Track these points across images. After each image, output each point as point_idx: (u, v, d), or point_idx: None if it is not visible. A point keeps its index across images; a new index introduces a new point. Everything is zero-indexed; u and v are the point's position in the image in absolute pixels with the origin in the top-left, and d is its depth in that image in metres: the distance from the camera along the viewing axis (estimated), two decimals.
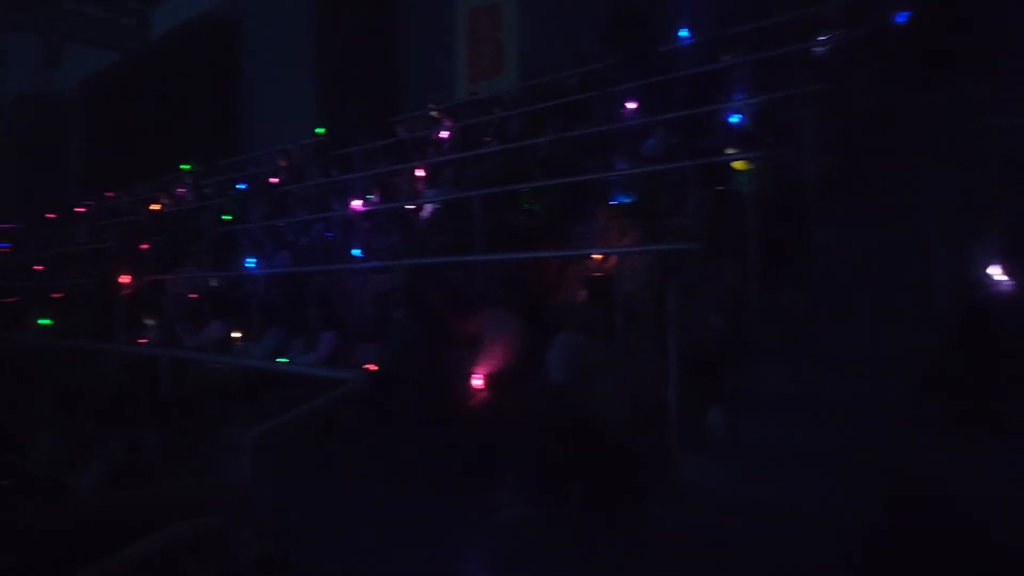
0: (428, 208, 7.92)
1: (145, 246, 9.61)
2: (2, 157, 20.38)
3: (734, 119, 6.02)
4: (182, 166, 13.61)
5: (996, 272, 3.76)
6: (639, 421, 4.12)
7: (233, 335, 6.46)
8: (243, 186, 11.52)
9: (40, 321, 7.66)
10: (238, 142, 15.90)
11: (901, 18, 6.24)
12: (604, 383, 4.05)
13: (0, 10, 17.89)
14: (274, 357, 6.09)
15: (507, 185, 7.05)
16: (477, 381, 4.62)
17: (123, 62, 19.40)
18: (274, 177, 11.36)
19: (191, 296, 7.66)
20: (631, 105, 7.60)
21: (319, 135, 12.31)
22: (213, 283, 8.09)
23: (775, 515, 3.53)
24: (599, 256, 5.28)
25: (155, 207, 12.25)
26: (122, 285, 7.75)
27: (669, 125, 6.90)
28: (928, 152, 4.67)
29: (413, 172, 8.97)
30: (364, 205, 8.36)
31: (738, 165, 5.46)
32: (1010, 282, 3.72)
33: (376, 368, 5.15)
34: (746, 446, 4.04)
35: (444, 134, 10.04)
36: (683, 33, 8.63)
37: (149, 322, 7.21)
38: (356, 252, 7.34)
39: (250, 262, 7.44)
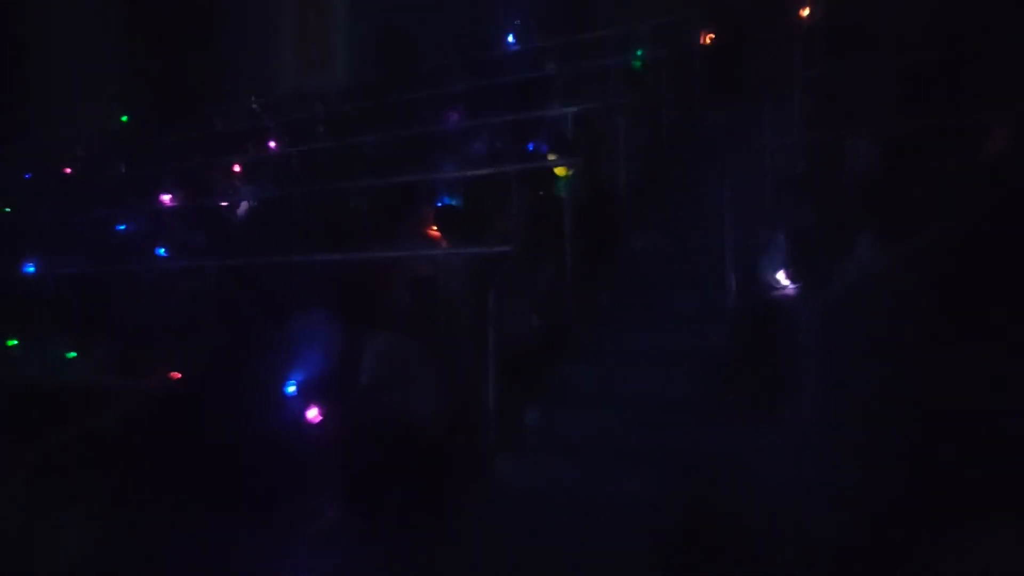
0: (245, 205, 7.50)
1: None
2: None
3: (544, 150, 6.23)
4: None
5: (781, 277, 4.14)
6: (456, 421, 4.12)
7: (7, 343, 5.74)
8: (27, 176, 10.30)
9: None
10: (22, 125, 14.11)
11: (702, 40, 6.79)
12: (417, 384, 4.01)
13: None
14: (60, 366, 5.49)
15: (332, 183, 6.86)
16: (291, 387, 4.42)
17: None
18: (68, 167, 10.26)
19: None
20: (456, 111, 7.67)
21: (123, 123, 11.28)
22: None
23: (588, 509, 3.67)
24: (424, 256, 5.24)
25: None
26: None
27: (494, 129, 7.02)
28: (720, 165, 5.09)
29: (230, 167, 8.47)
30: (174, 200, 7.77)
31: (558, 171, 5.65)
32: (792, 287, 4.12)
33: (180, 376, 4.80)
34: (560, 442, 4.17)
35: (267, 130, 9.57)
36: (511, 39, 8.86)
37: None
38: (160, 251, 6.80)
39: (29, 268, 6.63)
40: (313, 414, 4.22)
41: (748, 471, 3.24)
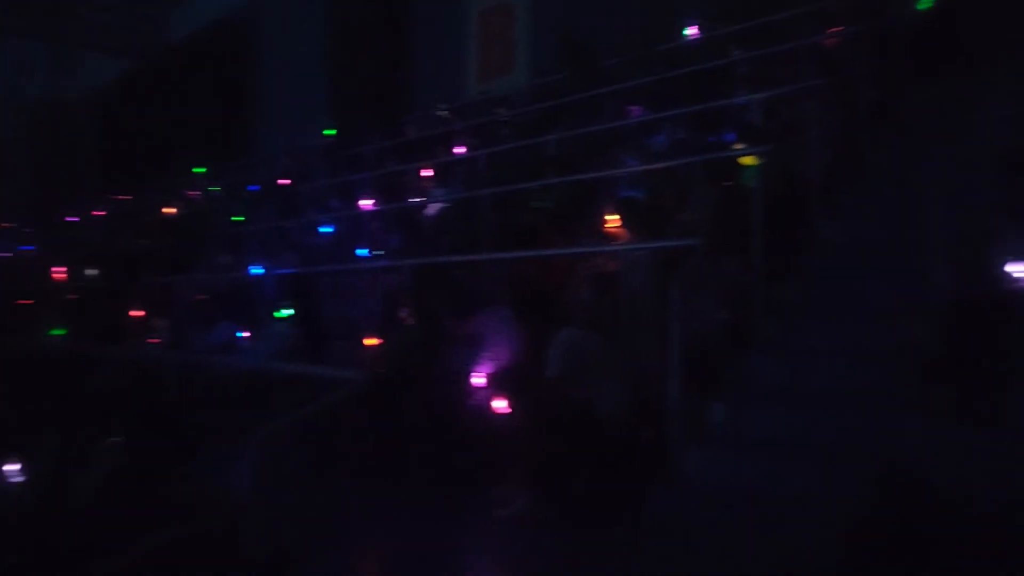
0: (436, 207, 7.95)
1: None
2: (17, 161, 20.62)
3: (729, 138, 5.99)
4: (195, 169, 13.72)
5: (1017, 269, 3.69)
6: (640, 414, 4.12)
7: (241, 335, 6.52)
8: (255, 187, 11.62)
9: (51, 332, 7.64)
10: (249, 144, 16.03)
11: (924, 7, 6.16)
12: (603, 377, 4.05)
13: (17, 17, 18.21)
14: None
15: (517, 183, 7.07)
16: (479, 379, 4.64)
17: (139, 67, 19.70)
18: (284, 178, 11.44)
19: (199, 297, 7.72)
20: (636, 106, 7.61)
21: (329, 136, 12.38)
22: (221, 284, 8.14)
23: (774, 506, 3.52)
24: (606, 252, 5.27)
25: (169, 210, 12.35)
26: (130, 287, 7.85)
27: (677, 120, 6.89)
28: (926, 146, 4.64)
29: (422, 171, 9.01)
30: (373, 205, 8.41)
31: (745, 161, 5.45)
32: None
33: (381, 367, 5.20)
34: (746, 438, 4.03)
35: (455, 135, 10.06)
36: (686, 32, 8.65)
37: (160, 323, 7.31)
38: (363, 252, 7.37)
39: (257, 270, 7.46)
40: (501, 405, 4.39)
41: (948, 474, 2.96)
